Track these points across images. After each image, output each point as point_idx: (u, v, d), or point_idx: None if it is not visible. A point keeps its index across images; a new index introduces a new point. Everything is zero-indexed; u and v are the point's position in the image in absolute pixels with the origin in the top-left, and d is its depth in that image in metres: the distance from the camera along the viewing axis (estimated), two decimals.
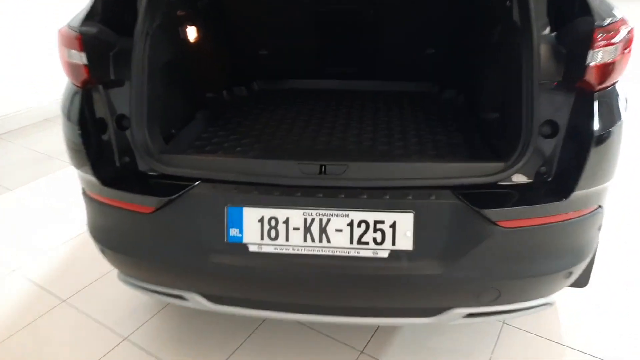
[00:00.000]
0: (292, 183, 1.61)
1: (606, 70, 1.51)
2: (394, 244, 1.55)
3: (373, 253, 1.56)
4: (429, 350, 2.12)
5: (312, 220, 1.57)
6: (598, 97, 1.51)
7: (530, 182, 1.59)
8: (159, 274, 1.76)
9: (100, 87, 1.74)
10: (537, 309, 1.70)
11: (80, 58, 1.71)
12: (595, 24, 1.50)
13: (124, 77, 1.75)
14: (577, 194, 1.52)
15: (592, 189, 1.56)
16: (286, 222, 1.58)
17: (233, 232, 1.62)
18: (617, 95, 1.58)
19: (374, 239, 1.56)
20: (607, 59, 1.50)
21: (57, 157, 4.04)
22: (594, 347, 2.11)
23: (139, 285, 1.84)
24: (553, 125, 1.57)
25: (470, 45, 2.39)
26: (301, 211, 1.57)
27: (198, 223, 1.63)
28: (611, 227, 2.88)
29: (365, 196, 1.56)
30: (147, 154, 1.72)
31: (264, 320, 2.28)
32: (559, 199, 1.52)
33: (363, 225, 1.56)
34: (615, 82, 1.57)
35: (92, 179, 1.72)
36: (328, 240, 1.58)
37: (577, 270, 1.65)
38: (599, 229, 1.72)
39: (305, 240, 1.58)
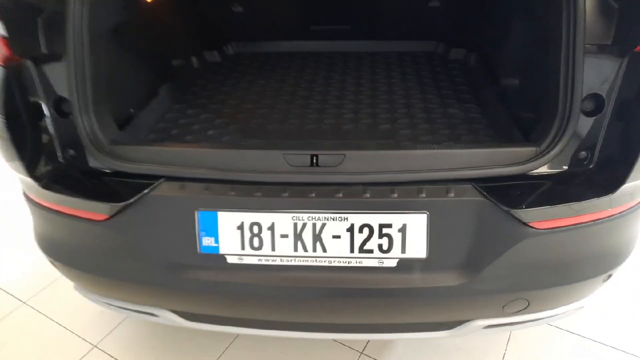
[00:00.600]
0: (277, 179, 1.31)
1: None
2: (403, 251, 1.28)
3: (378, 262, 1.30)
4: (436, 348, 1.91)
5: (304, 225, 1.29)
6: None
7: (567, 171, 1.30)
8: (120, 291, 1.47)
9: (30, 63, 1.38)
10: (567, 314, 1.47)
11: None
12: None
13: (59, 50, 1.39)
14: (627, 186, 1.24)
15: None
16: (271, 228, 1.30)
17: (207, 241, 1.33)
18: None
19: (380, 246, 1.28)
20: None
21: None
22: (615, 340, 1.92)
23: (101, 300, 1.56)
24: (597, 100, 1.28)
25: None
26: (289, 215, 1.29)
27: (163, 232, 1.33)
28: None
29: (368, 194, 1.27)
30: (95, 146, 1.39)
31: None
32: (605, 193, 1.24)
33: (366, 230, 1.28)
34: None
35: (27, 179, 1.39)
36: (323, 249, 1.30)
37: (617, 272, 1.40)
38: None
39: (295, 249, 1.30)
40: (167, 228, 1.33)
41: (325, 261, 1.30)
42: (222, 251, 1.33)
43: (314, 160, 1.31)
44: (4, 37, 1.34)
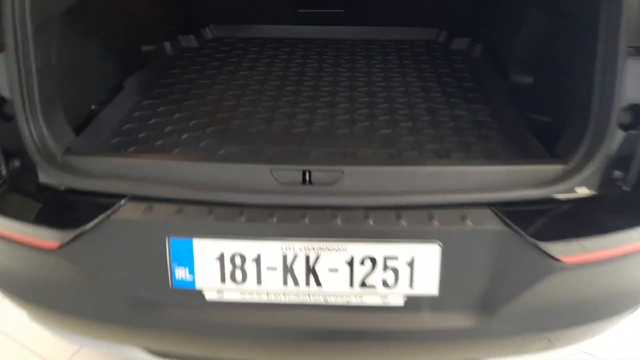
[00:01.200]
0: (263, 201, 1.11)
1: None
2: (411, 286, 1.10)
3: (382, 300, 1.12)
4: None
5: (295, 256, 1.10)
6: None
7: (599, 194, 1.13)
8: (80, 328, 1.27)
9: None
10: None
11: None
12: None
13: None
14: None
15: None
16: (257, 259, 1.11)
17: (180, 273, 1.13)
18: None
19: (384, 282, 1.10)
20: None
21: None
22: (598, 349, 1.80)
23: (60, 333, 1.35)
24: (636, 111, 1.10)
25: None
26: (278, 243, 1.09)
27: (128, 263, 1.13)
28: None
29: (371, 220, 1.08)
30: (45, 157, 1.17)
31: None
32: None
33: (368, 263, 1.09)
34: None
35: None
36: (318, 284, 1.12)
37: None
38: None
39: (285, 283, 1.12)
40: (132, 258, 1.13)
41: (319, 298, 1.12)
42: (198, 286, 1.13)
43: (307, 177, 1.12)
44: None
